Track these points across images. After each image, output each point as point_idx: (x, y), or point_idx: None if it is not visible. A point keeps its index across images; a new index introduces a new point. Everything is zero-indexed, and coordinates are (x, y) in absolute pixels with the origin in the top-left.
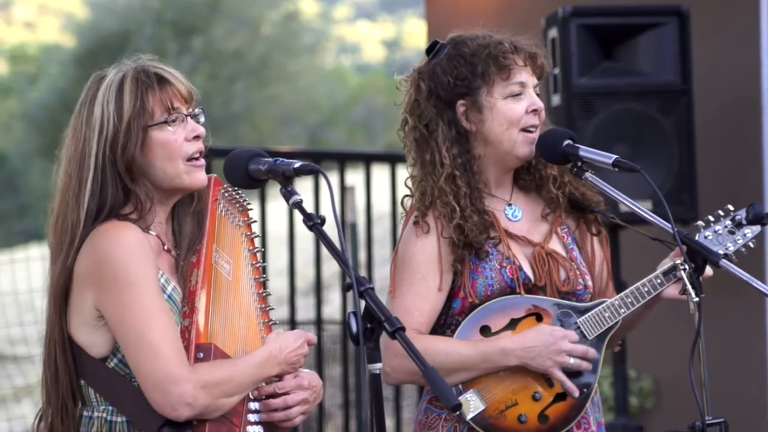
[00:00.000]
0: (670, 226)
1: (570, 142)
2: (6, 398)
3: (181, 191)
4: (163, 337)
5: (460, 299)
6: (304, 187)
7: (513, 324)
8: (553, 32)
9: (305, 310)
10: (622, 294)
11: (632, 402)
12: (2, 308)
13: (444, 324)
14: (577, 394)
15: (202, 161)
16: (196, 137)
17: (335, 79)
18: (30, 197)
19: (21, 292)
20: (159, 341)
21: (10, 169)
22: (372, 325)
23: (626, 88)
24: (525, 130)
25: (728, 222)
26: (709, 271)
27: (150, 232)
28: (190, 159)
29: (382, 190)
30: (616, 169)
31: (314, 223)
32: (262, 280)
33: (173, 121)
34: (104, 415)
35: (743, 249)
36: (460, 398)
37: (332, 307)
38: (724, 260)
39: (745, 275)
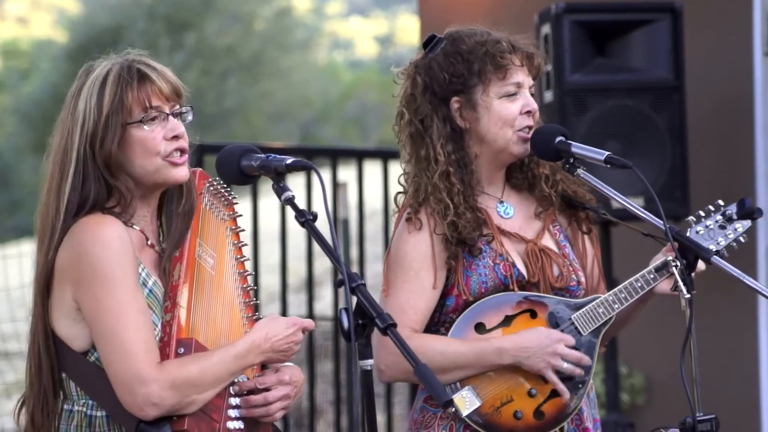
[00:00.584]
0: (662, 222)
1: (562, 138)
2: None
3: (161, 186)
4: (134, 336)
5: (453, 297)
6: (296, 183)
7: (507, 321)
8: (546, 28)
9: (297, 306)
10: (615, 289)
11: (623, 398)
12: None
13: (438, 322)
14: (568, 396)
15: (182, 158)
16: (175, 137)
17: (328, 75)
18: (22, 193)
19: (13, 288)
20: (129, 339)
21: (2, 165)
22: (363, 321)
23: (619, 84)
24: (519, 130)
25: (719, 217)
26: (701, 265)
27: (134, 226)
28: (168, 157)
29: (374, 187)
30: (609, 166)
31: (306, 219)
32: (246, 274)
33: (151, 119)
34: (84, 409)
35: (734, 244)
36: (455, 395)
37: (324, 304)
38: (715, 257)
39: (736, 272)
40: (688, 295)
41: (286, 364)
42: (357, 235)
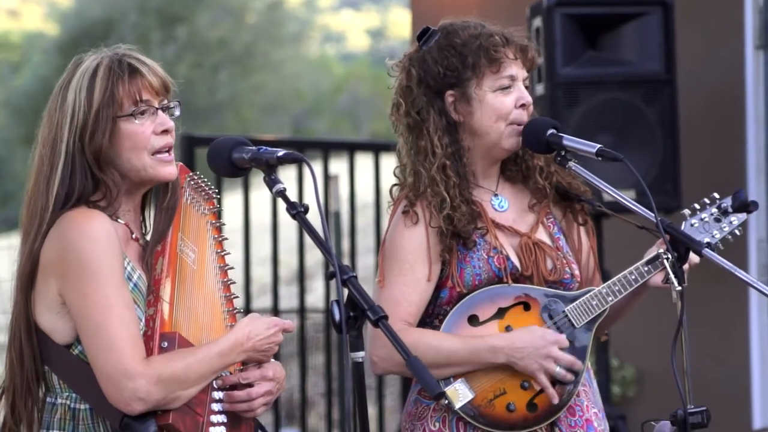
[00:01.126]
0: (653, 215)
1: (554, 131)
2: None
3: (148, 183)
4: (120, 331)
5: (447, 289)
6: (287, 176)
7: (501, 313)
8: (538, 21)
9: (288, 298)
10: (609, 282)
11: (615, 391)
12: None
13: (432, 314)
14: (557, 401)
15: (170, 156)
16: (165, 131)
17: (320, 68)
18: (13, 185)
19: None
20: (116, 335)
21: None
22: (355, 313)
23: (610, 77)
24: (513, 124)
25: (714, 210)
26: (695, 258)
27: (119, 220)
28: (157, 152)
29: (366, 179)
30: (600, 159)
31: (297, 211)
32: (227, 268)
33: (141, 113)
34: (68, 402)
35: (729, 237)
36: (448, 388)
37: (315, 296)
38: (706, 249)
39: (728, 264)
40: (679, 288)
41: (270, 360)
42: (348, 227)
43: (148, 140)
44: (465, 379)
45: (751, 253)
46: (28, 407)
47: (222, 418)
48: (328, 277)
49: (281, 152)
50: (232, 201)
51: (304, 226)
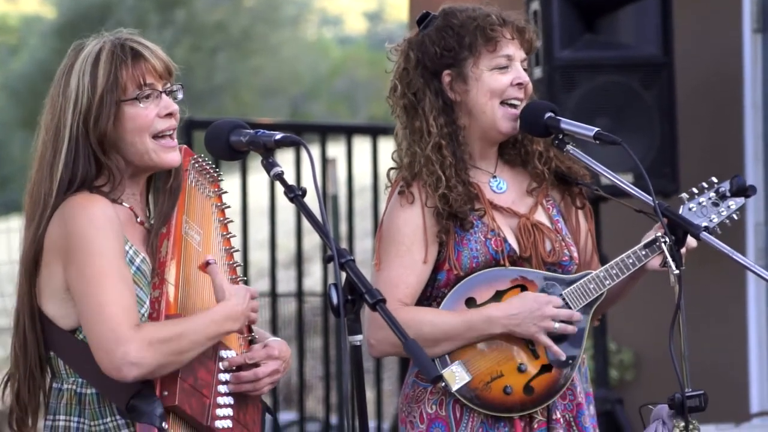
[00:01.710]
0: (651, 198)
1: (551, 114)
2: None
3: (151, 168)
4: (111, 299)
5: (445, 271)
6: (285, 159)
7: (498, 296)
8: (535, 5)
9: (286, 282)
10: (607, 266)
11: (612, 375)
12: None
13: (429, 296)
14: (563, 357)
15: (174, 141)
16: (169, 114)
17: (317, 52)
18: (11, 168)
19: (2, 263)
20: (106, 302)
21: None
22: (353, 297)
23: (608, 60)
24: (508, 103)
25: (712, 194)
26: (692, 242)
27: (123, 203)
28: (159, 136)
29: (364, 163)
30: (598, 142)
31: (295, 195)
32: (232, 250)
33: (145, 97)
34: (74, 387)
35: (727, 221)
36: (445, 370)
37: (313, 280)
38: (704, 233)
39: (725, 248)
40: (677, 271)
41: (275, 338)
42: (346, 210)
43: (152, 122)
44: (462, 361)
45: (748, 236)
46: (33, 393)
47: (229, 399)
48: (326, 260)
49: (279, 135)
50: (229, 184)
51: (302, 209)
